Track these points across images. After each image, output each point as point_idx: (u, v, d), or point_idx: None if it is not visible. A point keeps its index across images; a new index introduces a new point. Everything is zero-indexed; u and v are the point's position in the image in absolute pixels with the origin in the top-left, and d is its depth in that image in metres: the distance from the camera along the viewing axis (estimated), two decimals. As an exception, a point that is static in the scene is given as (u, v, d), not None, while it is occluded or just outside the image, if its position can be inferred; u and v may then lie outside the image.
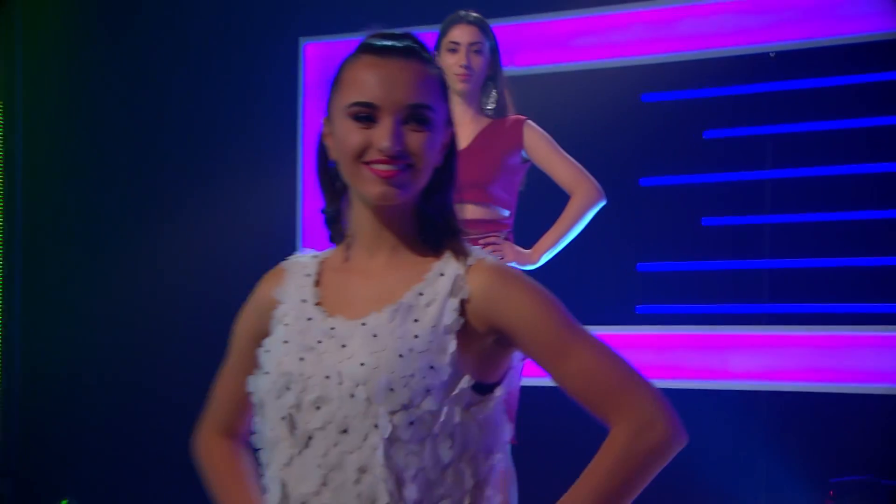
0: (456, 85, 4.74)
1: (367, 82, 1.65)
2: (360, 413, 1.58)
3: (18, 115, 7.71)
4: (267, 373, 1.71)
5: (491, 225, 4.85)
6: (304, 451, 1.64)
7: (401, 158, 1.63)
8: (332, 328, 1.70)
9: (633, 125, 6.48)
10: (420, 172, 1.67)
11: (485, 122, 4.95)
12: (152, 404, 7.25)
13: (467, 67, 4.78)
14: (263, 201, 7.36)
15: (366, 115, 1.64)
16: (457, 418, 1.60)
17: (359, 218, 1.76)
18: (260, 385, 1.71)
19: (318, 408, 1.62)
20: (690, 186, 6.16)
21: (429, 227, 1.76)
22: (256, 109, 7.65)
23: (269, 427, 1.69)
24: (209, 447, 2.01)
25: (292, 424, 1.64)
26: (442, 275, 1.72)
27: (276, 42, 7.55)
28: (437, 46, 4.93)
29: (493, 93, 4.88)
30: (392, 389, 1.56)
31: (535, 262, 4.88)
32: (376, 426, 1.57)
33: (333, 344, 1.68)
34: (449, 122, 1.76)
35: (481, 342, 1.68)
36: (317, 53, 7.50)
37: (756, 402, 6.11)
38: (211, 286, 7.04)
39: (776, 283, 6.09)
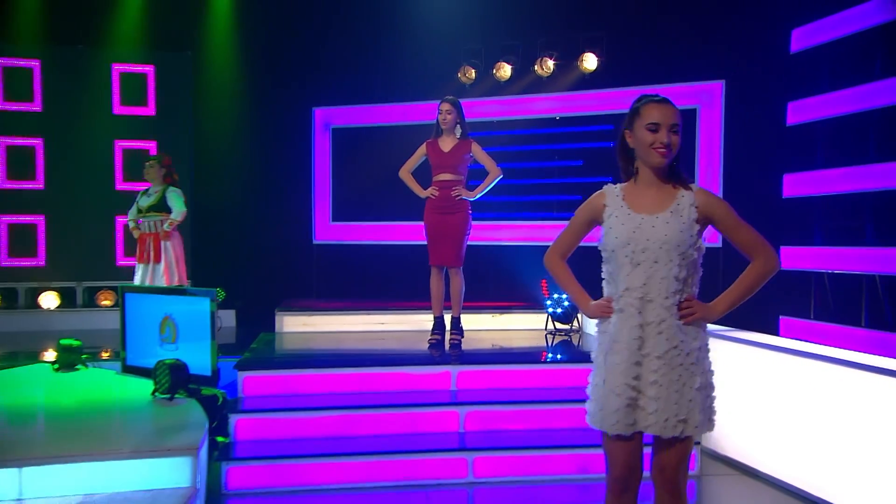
0: (443, 126, 6.27)
1: (654, 114, 2.58)
2: (664, 255, 2.55)
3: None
4: (617, 237, 2.62)
5: (459, 182, 6.28)
6: (636, 269, 2.57)
7: (668, 146, 2.57)
8: (642, 217, 2.63)
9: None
10: (674, 152, 2.59)
11: (457, 140, 6.30)
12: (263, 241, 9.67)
13: (444, 121, 6.25)
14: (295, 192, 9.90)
15: (654, 128, 2.56)
16: (694, 257, 2.58)
17: (645, 172, 2.66)
18: (616, 243, 2.62)
19: (643, 252, 2.57)
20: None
21: (674, 172, 2.66)
22: (291, 147, 9.94)
23: (620, 260, 2.61)
24: (559, 262, 2.83)
25: (634, 260, 2.58)
26: (682, 196, 2.63)
27: (300, 108, 9.85)
28: (440, 110, 6.30)
29: (459, 128, 6.30)
30: (678, 245, 2.55)
31: (472, 197, 6.35)
32: (670, 260, 2.55)
33: (647, 225, 2.60)
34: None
35: (699, 226, 2.61)
36: (322, 115, 9.88)
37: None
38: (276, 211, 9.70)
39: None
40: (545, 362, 6.02)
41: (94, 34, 9.73)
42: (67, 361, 6.22)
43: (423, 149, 6.36)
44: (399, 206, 8.54)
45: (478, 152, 6.32)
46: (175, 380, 5.20)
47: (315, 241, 9.91)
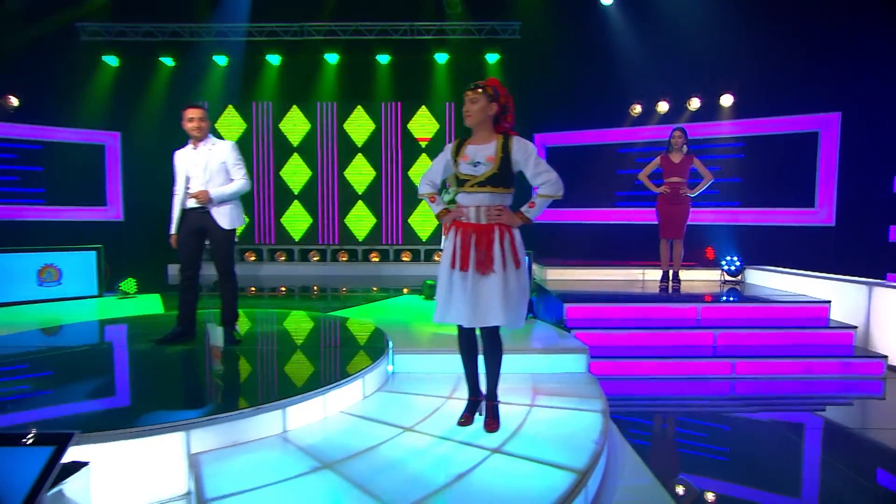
0: (675, 146, 5.99)
1: None
2: None
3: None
4: None
5: (684, 184, 6.07)
6: None
7: None
8: None
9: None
10: None
11: (683, 155, 6.07)
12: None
13: (676, 142, 5.99)
14: (522, 186, 10.27)
15: None
16: None
17: None
18: None
19: None
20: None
21: None
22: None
23: None
24: None
25: None
26: None
27: (526, 133, 10.06)
28: (673, 135, 6.03)
29: (685, 147, 6.09)
30: None
31: (693, 194, 6.11)
32: None
33: None
34: None
35: None
36: (540, 138, 9.85)
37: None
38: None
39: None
40: (757, 301, 5.87)
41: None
42: (431, 294, 6.63)
43: (657, 160, 6.22)
44: (587, 197, 8.80)
45: (698, 164, 6.17)
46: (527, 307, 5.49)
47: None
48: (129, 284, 6.86)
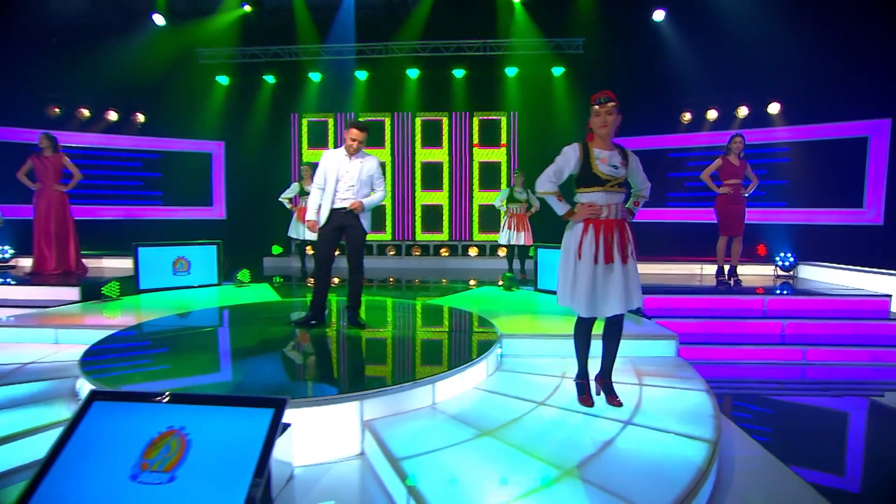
0: (735, 151, 5.69)
1: None
2: None
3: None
4: None
5: (741, 185, 5.82)
6: None
7: None
8: None
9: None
10: None
11: (740, 160, 5.82)
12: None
13: (737, 147, 5.76)
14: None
15: None
16: None
17: None
18: None
19: None
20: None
21: None
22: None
23: None
24: None
25: None
26: None
27: None
28: (734, 140, 5.73)
29: (742, 152, 5.80)
30: None
31: (746, 194, 5.79)
32: None
33: None
34: None
35: None
36: None
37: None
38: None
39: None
40: (820, 294, 5.79)
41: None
42: (510, 285, 6.72)
43: (719, 162, 6.07)
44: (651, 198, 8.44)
45: (748, 168, 6.09)
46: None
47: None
48: (244, 275, 7.16)
